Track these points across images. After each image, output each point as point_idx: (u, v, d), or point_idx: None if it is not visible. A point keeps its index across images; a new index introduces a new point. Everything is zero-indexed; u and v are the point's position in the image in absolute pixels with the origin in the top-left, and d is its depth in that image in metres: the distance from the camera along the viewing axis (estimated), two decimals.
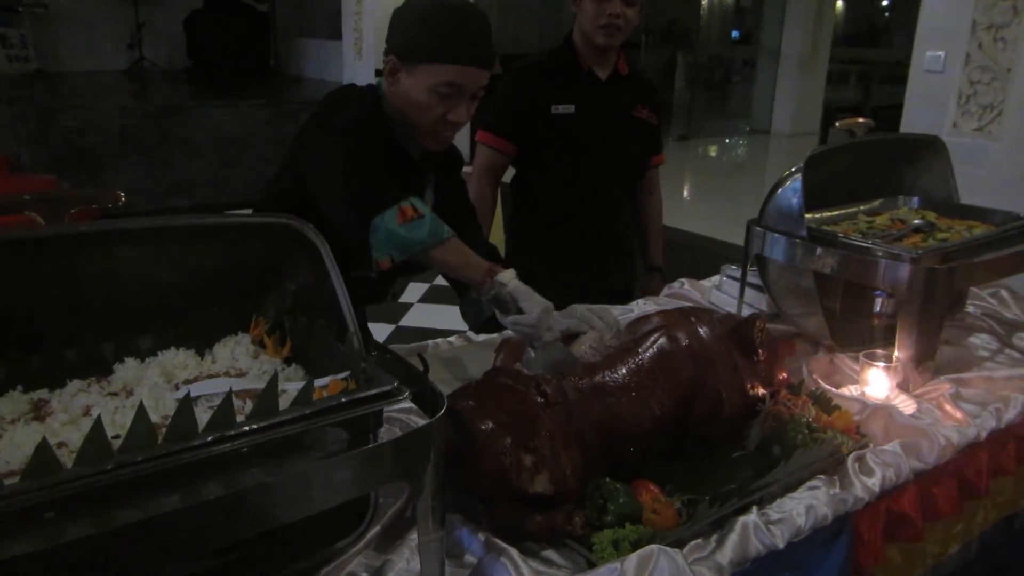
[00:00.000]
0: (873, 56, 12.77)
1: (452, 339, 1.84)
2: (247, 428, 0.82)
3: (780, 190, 1.71)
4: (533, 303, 1.34)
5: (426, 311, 4.51)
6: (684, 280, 2.18)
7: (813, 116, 10.79)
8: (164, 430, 0.82)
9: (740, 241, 1.80)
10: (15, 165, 5.33)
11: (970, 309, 1.99)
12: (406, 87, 1.50)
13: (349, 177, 1.45)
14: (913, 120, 3.81)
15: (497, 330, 1.57)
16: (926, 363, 1.57)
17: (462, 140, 2.18)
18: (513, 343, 1.43)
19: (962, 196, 1.97)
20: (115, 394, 0.99)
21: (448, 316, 4.21)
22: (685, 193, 7.82)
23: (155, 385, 1.00)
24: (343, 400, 0.89)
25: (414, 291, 4.69)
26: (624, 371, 1.21)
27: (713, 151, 10.83)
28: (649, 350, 1.25)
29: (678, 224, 4.77)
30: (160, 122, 6.63)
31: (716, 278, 2.13)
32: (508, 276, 1.38)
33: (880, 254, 1.57)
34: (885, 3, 14.63)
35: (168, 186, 6.60)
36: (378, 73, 1.65)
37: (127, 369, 1.04)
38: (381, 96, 1.58)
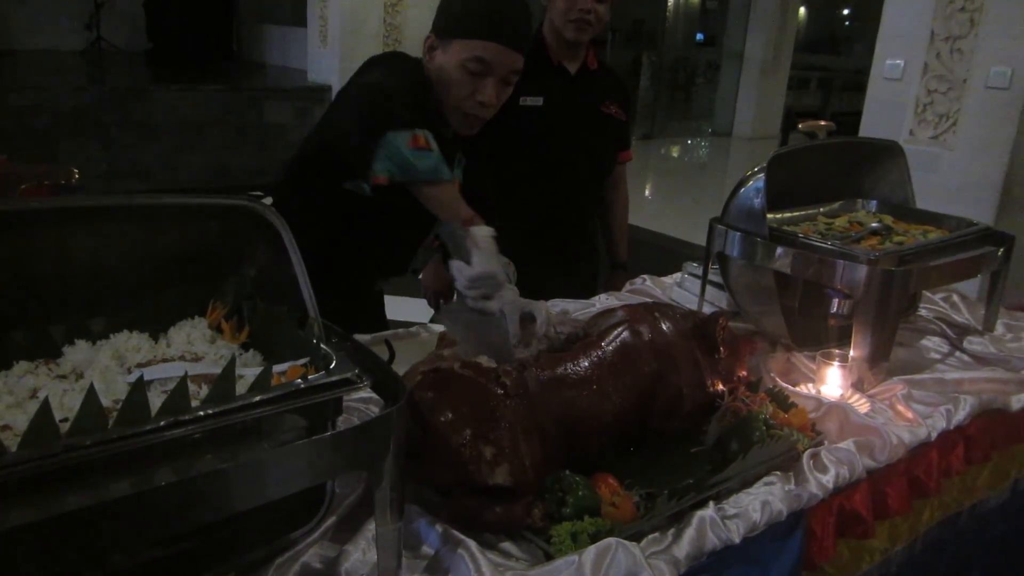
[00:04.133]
0: (833, 63, 13.01)
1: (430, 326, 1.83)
2: (202, 413, 0.80)
3: (743, 189, 1.72)
4: (481, 262, 1.34)
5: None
6: (646, 276, 2.19)
7: (774, 120, 10.96)
8: (115, 414, 0.79)
9: (699, 241, 1.82)
10: None
11: (922, 312, 2.03)
12: (440, 63, 1.57)
13: (374, 91, 1.51)
14: (872, 127, 3.89)
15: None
16: (880, 364, 1.60)
17: None
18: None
19: (917, 202, 2.01)
20: (64, 377, 0.95)
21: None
22: (647, 192, 7.89)
23: (106, 368, 0.97)
24: (301, 386, 0.87)
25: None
26: (586, 364, 1.21)
27: (675, 151, 10.94)
28: (612, 344, 1.25)
29: (639, 222, 4.81)
30: (117, 105, 6.48)
31: (678, 275, 2.14)
32: (483, 232, 1.39)
33: (838, 255, 1.59)
34: (846, 12, 14.91)
35: (124, 170, 6.46)
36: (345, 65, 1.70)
37: (77, 351, 1.01)
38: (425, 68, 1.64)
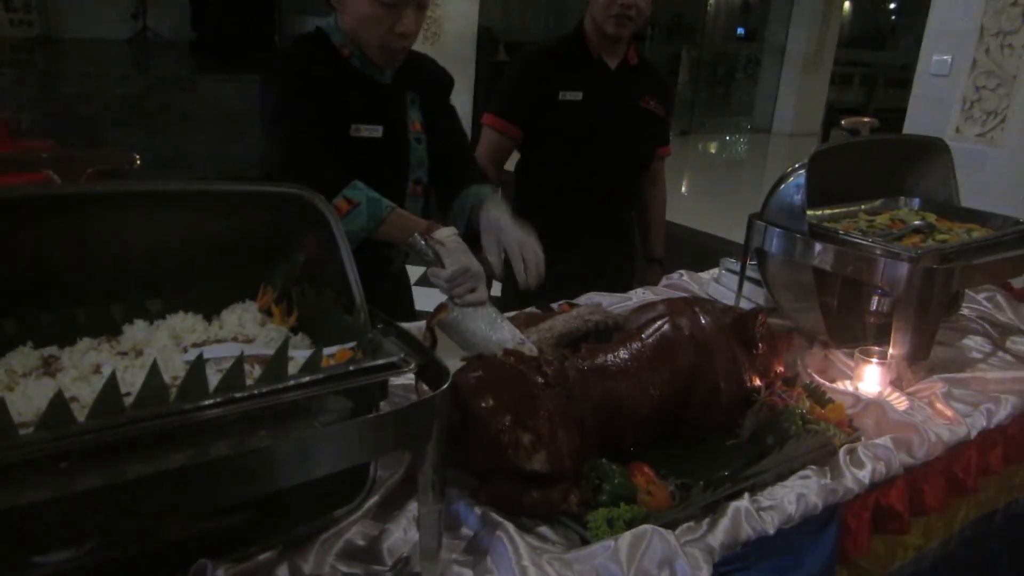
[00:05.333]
0: (877, 59, 12.77)
1: None
2: (257, 391, 0.83)
3: (783, 185, 1.72)
4: (453, 260, 1.35)
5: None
6: (683, 271, 2.19)
7: (815, 117, 10.80)
8: (174, 389, 0.83)
9: (736, 238, 1.82)
10: (16, 129, 5.32)
11: (965, 312, 2.01)
12: (350, 8, 1.55)
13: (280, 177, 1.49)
14: (916, 123, 3.83)
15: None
16: (920, 362, 1.59)
17: (466, 123, 2.20)
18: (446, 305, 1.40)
19: (962, 200, 1.99)
20: (124, 353, 1.00)
21: None
22: (684, 188, 7.84)
23: (164, 347, 1.01)
24: (351, 368, 0.90)
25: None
26: (625, 356, 1.23)
27: (713, 147, 10.84)
28: (651, 336, 1.26)
29: (676, 218, 4.79)
30: (162, 93, 6.60)
31: (715, 271, 2.14)
32: (445, 233, 1.39)
33: (879, 252, 1.59)
34: (892, 6, 14.62)
35: (168, 158, 6.58)
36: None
37: (136, 330, 1.05)
38: (329, 32, 1.64)
